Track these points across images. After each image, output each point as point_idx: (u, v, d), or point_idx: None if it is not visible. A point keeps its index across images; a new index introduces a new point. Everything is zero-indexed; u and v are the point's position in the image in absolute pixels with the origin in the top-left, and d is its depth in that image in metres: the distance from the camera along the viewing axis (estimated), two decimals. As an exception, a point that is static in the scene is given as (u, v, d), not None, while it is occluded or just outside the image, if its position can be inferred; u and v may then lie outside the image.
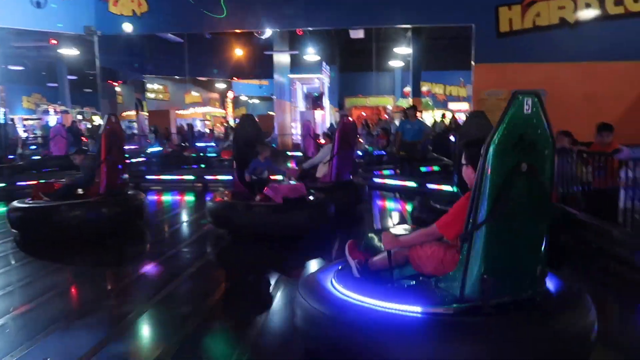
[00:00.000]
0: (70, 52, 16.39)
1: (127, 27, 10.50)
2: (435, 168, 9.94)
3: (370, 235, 3.03)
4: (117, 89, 21.77)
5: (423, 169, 9.52)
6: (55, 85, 23.72)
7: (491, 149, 2.17)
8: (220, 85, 28.10)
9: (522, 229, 2.29)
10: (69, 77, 22.82)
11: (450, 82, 25.35)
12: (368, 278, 2.66)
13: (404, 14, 10.05)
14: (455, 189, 6.08)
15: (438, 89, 25.77)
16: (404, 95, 22.70)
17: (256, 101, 28.86)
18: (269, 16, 10.52)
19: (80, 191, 5.98)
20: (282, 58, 18.90)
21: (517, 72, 8.98)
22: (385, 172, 9.71)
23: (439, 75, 24.59)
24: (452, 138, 11.26)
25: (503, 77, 9.05)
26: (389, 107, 23.28)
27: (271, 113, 21.00)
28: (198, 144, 15.19)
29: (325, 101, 20.66)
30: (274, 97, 19.62)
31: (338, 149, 6.85)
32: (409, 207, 7.40)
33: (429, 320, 2.22)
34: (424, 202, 5.98)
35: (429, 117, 20.12)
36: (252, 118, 6.47)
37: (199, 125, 21.98)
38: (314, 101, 19.89)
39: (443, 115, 19.45)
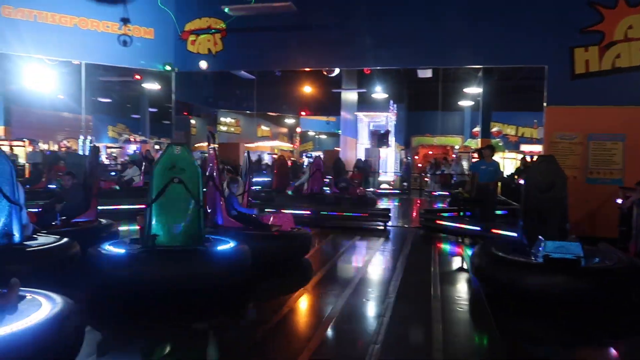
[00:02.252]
0: (151, 86, 17.60)
1: (203, 64, 11.11)
2: (501, 212, 9.48)
3: None
4: (192, 121, 22.99)
5: (499, 212, 9.09)
6: (138, 116, 25.47)
7: (156, 170, 4.92)
8: (289, 121, 28.92)
9: (175, 209, 4.89)
10: (150, 109, 24.41)
11: (524, 123, 24.44)
12: None
13: (474, 55, 9.86)
14: (519, 235, 5.76)
15: (510, 130, 24.89)
16: (472, 136, 22.14)
17: (323, 137, 29.34)
18: (337, 55, 10.74)
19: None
20: (349, 95, 19.18)
21: (593, 115, 8.47)
22: (445, 214, 9.39)
23: (511, 116, 23.82)
24: (521, 181, 10.72)
25: (577, 120, 8.57)
26: (457, 147, 22.75)
27: (337, 149, 21.21)
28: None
29: (391, 139, 20.57)
30: (340, 133, 19.83)
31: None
32: (469, 253, 7.07)
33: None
34: (485, 248, 5.68)
35: (499, 158, 19.39)
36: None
37: (266, 159, 22.57)
38: (380, 138, 19.86)
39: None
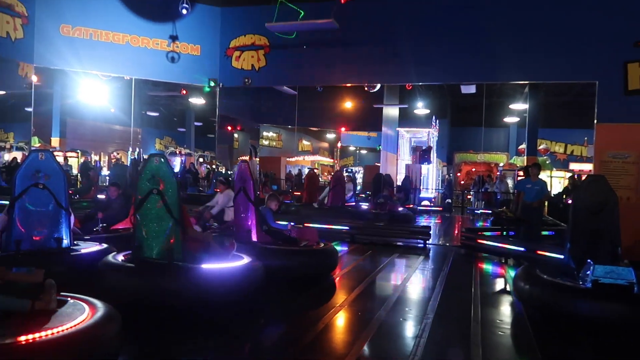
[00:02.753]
0: (197, 101, 18.14)
1: (247, 80, 11.38)
2: (548, 233, 9.13)
3: None
4: (235, 135, 23.44)
5: (545, 232, 8.77)
6: (184, 130, 26.27)
7: (139, 182, 4.78)
8: (330, 135, 29.04)
9: (156, 221, 4.69)
10: (196, 123, 25.15)
11: (573, 140, 23.56)
12: None
13: (520, 70, 9.64)
14: (565, 258, 5.51)
15: (558, 148, 24.04)
16: (518, 153, 21.53)
17: (364, 152, 29.27)
18: (379, 71, 10.75)
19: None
20: (391, 111, 19.08)
21: (648, 133, 8.08)
22: (487, 233, 9.12)
23: (559, 133, 23.02)
24: (569, 202, 10.32)
25: (630, 138, 8.18)
26: (501, 164, 22.14)
27: (377, 164, 21.08)
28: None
29: (433, 155, 20.26)
30: (381, 148, 19.72)
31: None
32: (512, 274, 6.83)
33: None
34: (529, 270, 5.46)
35: (546, 177, 18.75)
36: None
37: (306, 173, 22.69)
38: (422, 154, 19.61)
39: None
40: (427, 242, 9.34)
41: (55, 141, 18.58)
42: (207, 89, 11.52)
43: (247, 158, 24.13)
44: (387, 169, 18.83)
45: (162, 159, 4.75)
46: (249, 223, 6.24)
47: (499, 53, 9.34)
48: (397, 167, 19.17)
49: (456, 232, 12.48)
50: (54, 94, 17.52)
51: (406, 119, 19.87)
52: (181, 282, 4.34)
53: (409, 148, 20.73)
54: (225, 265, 4.74)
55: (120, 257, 4.82)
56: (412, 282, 6.60)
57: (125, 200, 7.13)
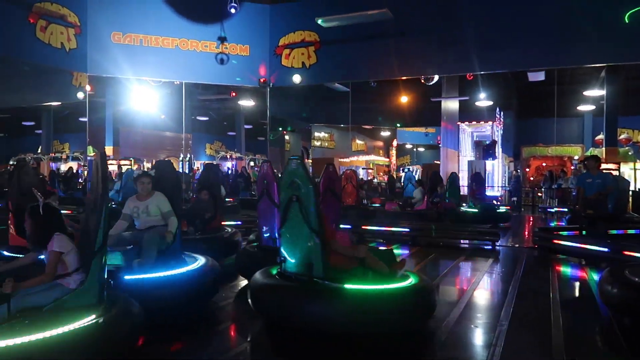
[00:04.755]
0: (247, 103, 18.53)
1: (297, 79, 11.50)
2: (635, 232, 8.58)
3: None
4: (286, 137, 23.78)
5: (613, 231, 8.29)
6: (234, 133, 26.92)
7: (280, 189, 4.87)
8: (385, 133, 28.83)
9: (298, 231, 4.40)
10: (245, 126, 25.72)
11: (660, 128, 22.22)
12: None
13: (596, 52, 9.17)
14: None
15: (642, 137, 22.73)
16: (595, 145, 20.49)
17: (421, 149, 28.86)
18: (437, 61, 10.56)
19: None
20: (450, 104, 18.67)
21: None
22: (564, 232, 8.71)
23: (643, 120, 21.78)
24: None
25: None
26: (576, 157, 21.15)
27: (437, 162, 20.71)
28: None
29: (498, 150, 19.65)
30: (441, 145, 19.34)
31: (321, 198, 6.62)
32: (595, 278, 6.47)
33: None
34: (617, 273, 5.15)
35: (629, 169, 17.72)
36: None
37: (361, 174, 22.65)
38: (485, 150, 19.06)
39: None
40: (496, 243, 9.04)
41: (108, 149, 19.58)
42: (259, 86, 11.74)
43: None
44: (448, 166, 18.43)
45: (299, 161, 4.50)
46: (273, 226, 6.01)
47: (572, 33, 8.93)
48: (459, 164, 18.69)
49: (527, 232, 12.03)
50: (106, 102, 18.48)
51: (467, 112, 19.35)
52: (321, 302, 4.01)
53: (471, 143, 20.20)
54: (381, 286, 4.17)
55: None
56: (481, 286, 6.39)
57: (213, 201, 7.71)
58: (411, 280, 4.41)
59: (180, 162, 19.14)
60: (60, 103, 17.59)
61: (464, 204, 13.30)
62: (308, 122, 24.40)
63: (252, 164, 25.16)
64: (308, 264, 4.28)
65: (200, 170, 22.24)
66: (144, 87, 14.12)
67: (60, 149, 24.48)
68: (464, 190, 15.71)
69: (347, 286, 4.08)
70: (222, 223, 7.89)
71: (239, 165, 22.82)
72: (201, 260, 5.12)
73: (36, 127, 23.89)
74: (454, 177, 13.09)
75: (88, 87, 11.85)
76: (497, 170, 19.66)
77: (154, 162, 21.01)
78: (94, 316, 3.18)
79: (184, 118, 13.94)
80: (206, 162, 22.00)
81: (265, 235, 6.18)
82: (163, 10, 11.32)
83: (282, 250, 4.56)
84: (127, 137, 21.11)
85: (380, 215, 11.29)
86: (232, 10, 11.10)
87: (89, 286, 3.34)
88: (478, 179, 13.91)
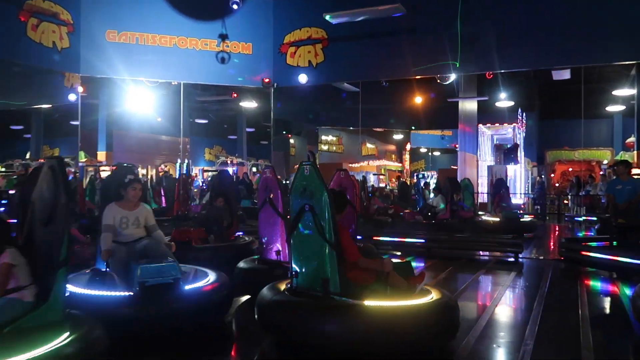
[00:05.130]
0: (249, 104, 18.65)
1: (303, 78, 11.56)
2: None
3: None
4: (291, 140, 23.84)
5: None
6: (235, 137, 27.04)
7: (290, 196, 4.59)
8: (398, 137, 28.85)
9: (311, 243, 4.37)
10: (247, 129, 25.84)
11: (696, 130, 22.05)
12: None
13: (625, 48, 9.17)
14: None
15: (678, 140, 22.59)
16: (626, 148, 20.41)
17: (437, 153, 28.85)
18: (453, 59, 10.58)
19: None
20: (468, 105, 18.67)
21: None
22: (593, 243, 8.69)
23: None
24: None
25: None
26: (605, 162, 21.07)
27: (454, 167, 20.69)
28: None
29: (520, 154, 19.62)
30: (458, 149, 19.34)
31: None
32: (628, 292, 6.45)
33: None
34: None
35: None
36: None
37: (372, 180, 22.66)
38: (506, 154, 19.03)
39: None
40: (520, 255, 9.02)
41: (101, 155, 19.73)
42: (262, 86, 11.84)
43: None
44: (466, 172, 18.41)
45: (311, 167, 4.43)
46: (279, 241, 5.97)
47: (600, 28, 8.93)
48: (478, 169, 18.67)
49: (553, 243, 11.99)
50: (99, 104, 18.66)
51: (487, 113, 19.37)
52: (335, 320, 3.96)
53: (491, 147, 20.17)
54: (405, 302, 4.09)
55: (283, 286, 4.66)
56: (503, 302, 6.39)
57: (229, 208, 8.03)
58: (433, 296, 4.34)
59: (178, 168, 19.24)
60: (51, 106, 17.75)
61: (480, 212, 13.30)
62: (315, 125, 24.48)
63: (254, 169, 25.26)
64: (324, 279, 4.22)
65: (200, 177, 22.41)
66: (140, 88, 14.24)
67: (50, 154, 24.68)
68: (483, 198, 15.69)
69: (368, 303, 4.00)
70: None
71: (240, 171, 22.91)
72: (212, 276, 5.06)
73: (25, 131, 24.08)
74: (466, 183, 13.10)
75: (80, 89, 11.98)
76: (519, 176, 19.61)
77: (161, 168, 21.23)
78: (63, 337, 3.14)
79: (182, 121, 14.03)
80: (219, 168, 22.13)
81: (267, 247, 6.16)
82: (161, 7, 11.44)
83: (293, 264, 4.51)
84: (122, 141, 21.25)
85: (400, 225, 11.31)
86: (234, 6, 11.20)
87: (53, 301, 3.28)
88: (502, 186, 13.86)
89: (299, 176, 4.46)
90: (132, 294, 4.36)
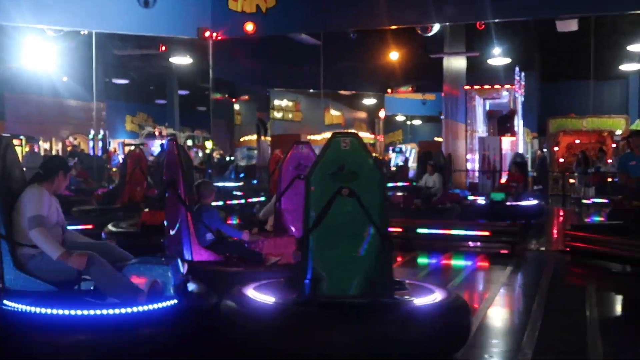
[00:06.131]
0: (182, 60, 18.30)
1: (250, 27, 11.42)
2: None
3: None
4: (235, 106, 23.62)
5: None
6: (164, 102, 26.60)
7: (312, 177, 4.20)
8: (369, 102, 28.95)
9: (347, 237, 4.21)
10: (180, 92, 25.45)
11: None
12: None
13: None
14: None
15: None
16: (643, 115, 21.12)
17: (417, 122, 29.13)
18: (437, 6, 10.65)
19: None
20: (455, 63, 18.88)
21: None
22: (604, 231, 8.97)
23: None
24: None
25: None
26: (619, 132, 21.72)
27: (438, 139, 20.96)
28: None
29: (518, 123, 20.03)
30: (442, 116, 19.59)
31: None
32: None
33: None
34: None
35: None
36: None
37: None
38: (501, 123, 19.41)
39: None
40: (516, 246, 9.24)
41: (-9, 125, 19.10)
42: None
43: (254, 138, 24.21)
44: (453, 144, 18.69)
45: (354, 139, 4.24)
46: (181, 233, 5.58)
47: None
48: (467, 141, 18.97)
49: (556, 231, 12.31)
50: (-14, 60, 17.96)
51: (477, 72, 19.62)
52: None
53: (483, 114, 20.51)
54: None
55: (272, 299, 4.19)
56: (497, 303, 6.54)
57: None
58: (437, 295, 4.33)
59: (91, 142, 18.85)
60: None
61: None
62: (265, 87, 24.30)
63: (189, 142, 24.96)
64: (370, 280, 4.15)
65: (120, 153, 21.99)
66: (40, 39, 13.78)
67: None
68: (474, 178, 15.97)
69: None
70: None
71: (171, 145, 22.58)
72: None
73: None
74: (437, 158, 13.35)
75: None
76: (519, 148, 20.04)
77: (69, 141, 20.65)
78: None
79: (95, 81, 13.69)
80: (169, 136, 21.57)
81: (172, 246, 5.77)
82: None
83: (317, 266, 4.20)
84: (17, 107, 20.63)
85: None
86: None
87: None
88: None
89: (331, 152, 4.21)
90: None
